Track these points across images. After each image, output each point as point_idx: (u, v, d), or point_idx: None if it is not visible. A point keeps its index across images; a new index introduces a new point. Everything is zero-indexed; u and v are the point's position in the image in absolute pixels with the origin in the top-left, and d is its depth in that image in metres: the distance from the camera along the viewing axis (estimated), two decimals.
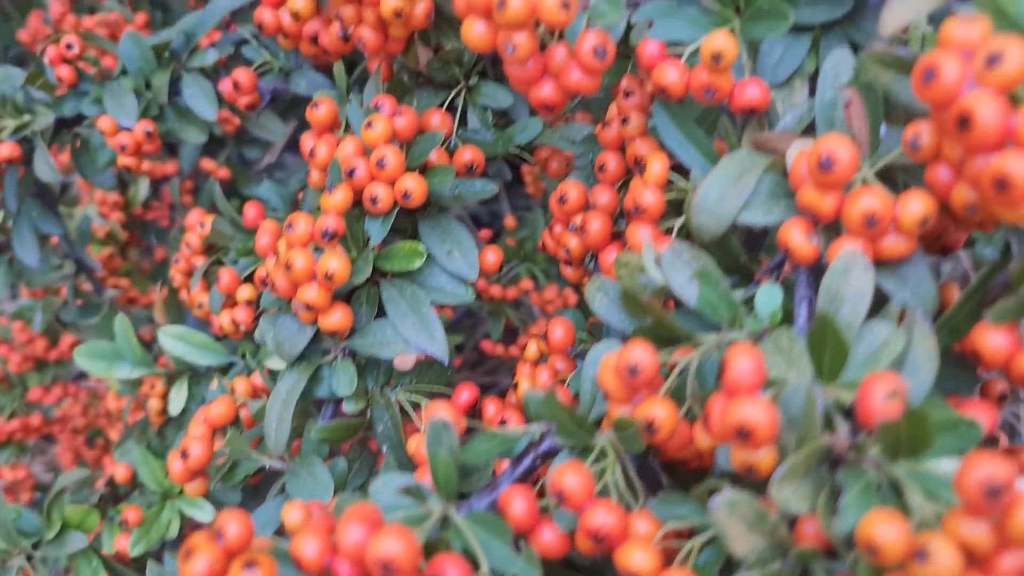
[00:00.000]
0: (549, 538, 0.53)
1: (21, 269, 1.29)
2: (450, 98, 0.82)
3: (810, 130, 0.58)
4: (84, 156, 1.04)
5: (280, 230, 0.86)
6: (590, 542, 0.50)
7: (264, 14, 0.80)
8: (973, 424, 0.45)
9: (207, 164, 1.55)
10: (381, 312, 0.73)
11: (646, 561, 0.48)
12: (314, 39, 0.80)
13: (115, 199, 1.52)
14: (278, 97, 0.98)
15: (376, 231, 0.72)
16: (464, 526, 0.52)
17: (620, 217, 0.70)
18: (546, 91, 0.60)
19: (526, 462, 0.61)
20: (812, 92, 0.59)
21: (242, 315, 0.91)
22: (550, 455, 0.61)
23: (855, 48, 0.62)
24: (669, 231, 0.62)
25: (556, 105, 0.60)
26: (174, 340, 0.98)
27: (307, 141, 0.79)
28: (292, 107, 1.45)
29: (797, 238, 0.52)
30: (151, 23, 1.44)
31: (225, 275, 0.91)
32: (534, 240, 1.64)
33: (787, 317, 0.54)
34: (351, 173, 0.71)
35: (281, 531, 0.75)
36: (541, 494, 0.57)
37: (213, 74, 0.99)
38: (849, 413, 0.46)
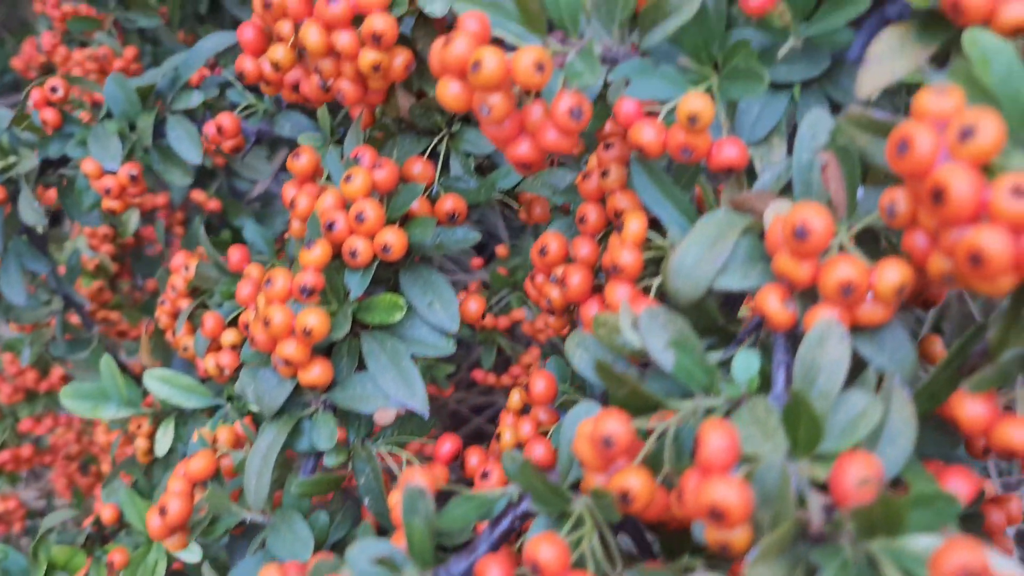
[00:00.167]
0: None
1: (9, 305, 1.29)
2: (432, 144, 0.82)
3: (788, 189, 0.58)
4: (70, 197, 1.04)
5: (263, 276, 0.85)
6: None
7: (245, 63, 0.80)
8: (951, 499, 0.44)
9: (197, 195, 1.54)
10: (362, 364, 0.73)
11: None
12: (295, 87, 0.80)
13: (105, 231, 1.52)
14: (263, 138, 0.98)
15: (356, 284, 0.71)
16: None
17: (602, 268, 0.70)
18: (523, 149, 0.59)
19: (504, 523, 0.60)
20: (791, 149, 0.59)
21: (227, 359, 0.91)
22: (529, 515, 0.60)
23: (834, 105, 0.61)
24: (647, 289, 0.62)
25: (533, 163, 0.60)
26: (160, 383, 0.97)
27: (288, 190, 0.79)
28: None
29: (773, 305, 0.52)
30: (140, 56, 1.44)
31: (209, 319, 0.90)
32: (526, 268, 1.64)
33: (765, 381, 0.53)
34: (330, 227, 0.71)
35: None
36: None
37: (199, 116, 0.99)
38: (826, 486, 0.46)
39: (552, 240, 0.70)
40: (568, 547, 0.51)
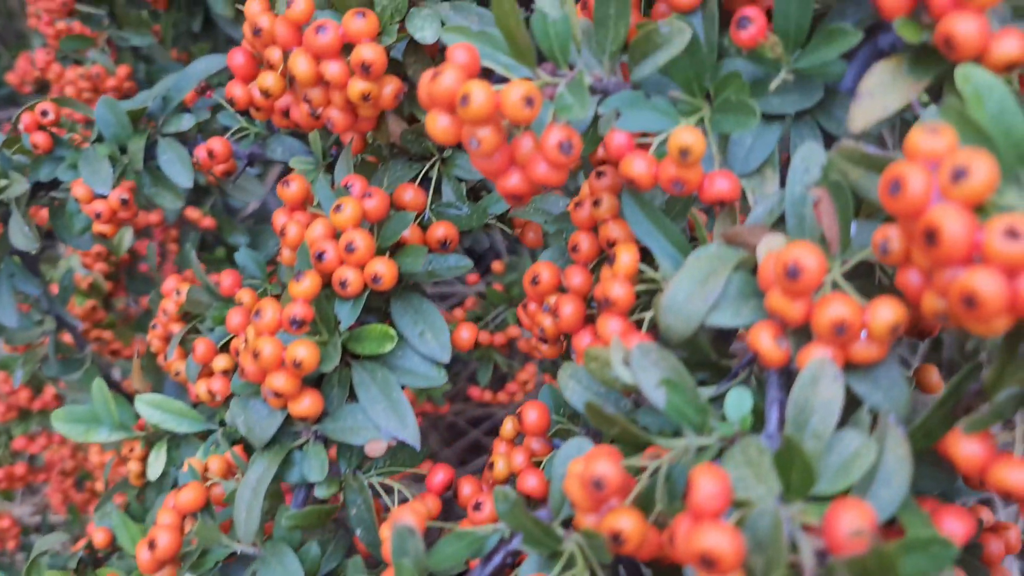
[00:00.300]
0: None
1: (1, 326, 1.28)
2: (424, 170, 0.81)
3: (781, 222, 0.57)
4: (61, 220, 1.03)
5: (255, 303, 0.85)
6: None
7: (235, 89, 0.79)
8: (946, 544, 0.43)
9: (192, 213, 1.54)
10: (353, 394, 0.72)
11: None
12: (286, 113, 0.79)
13: (98, 249, 1.51)
14: (255, 161, 0.97)
15: (346, 314, 0.71)
16: None
17: (594, 299, 0.69)
18: (513, 182, 0.59)
19: (496, 559, 0.60)
20: (784, 181, 0.58)
21: (218, 385, 0.90)
22: (522, 551, 0.59)
23: (826, 135, 0.61)
24: (640, 322, 0.61)
25: (524, 195, 0.59)
26: (151, 408, 0.96)
27: (279, 217, 0.78)
28: None
29: (766, 343, 0.51)
30: (134, 75, 1.44)
31: (201, 345, 0.90)
32: (522, 284, 1.63)
33: (759, 418, 0.53)
34: (320, 256, 0.70)
35: None
36: None
37: (191, 138, 0.98)
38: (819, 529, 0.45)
39: (544, 270, 0.69)
40: None
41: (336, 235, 0.72)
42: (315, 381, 0.73)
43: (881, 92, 0.53)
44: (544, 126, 0.56)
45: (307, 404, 0.70)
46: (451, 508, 0.77)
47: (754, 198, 0.60)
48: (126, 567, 0.99)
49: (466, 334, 0.76)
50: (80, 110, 1.00)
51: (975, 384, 0.50)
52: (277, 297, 0.89)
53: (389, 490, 0.75)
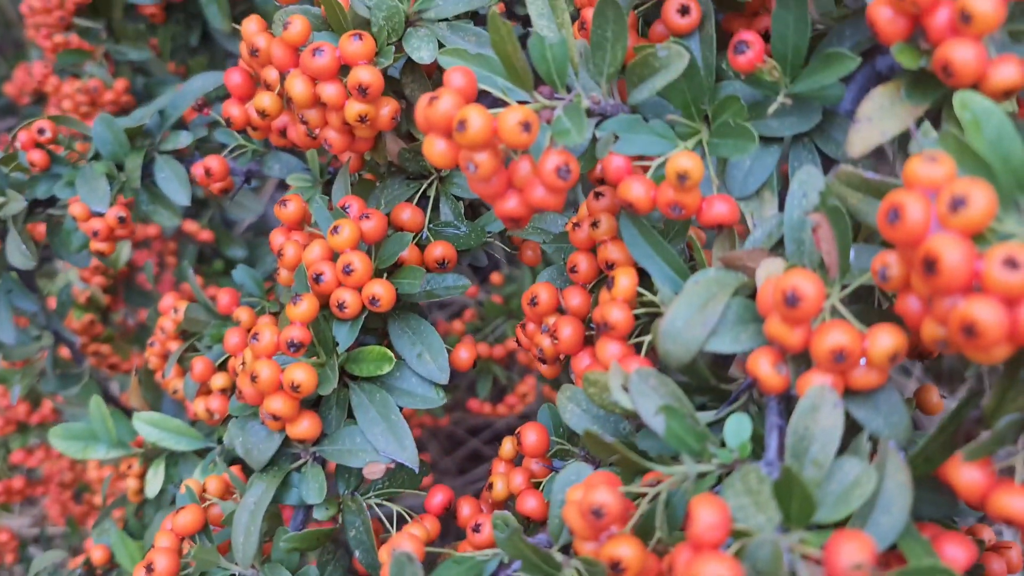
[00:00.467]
0: None
1: None
2: (422, 189, 0.81)
3: (780, 245, 0.57)
4: (58, 237, 1.03)
5: (253, 321, 0.85)
6: None
7: (232, 109, 0.79)
8: (948, 573, 0.43)
9: (190, 226, 1.54)
10: (351, 415, 0.72)
11: None
12: (283, 132, 0.79)
13: (96, 263, 1.51)
14: (252, 178, 0.97)
15: (344, 336, 0.71)
16: None
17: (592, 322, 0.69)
18: (511, 205, 0.58)
19: None
20: (782, 204, 0.58)
21: (216, 404, 0.90)
22: None
23: (824, 157, 0.61)
24: (639, 346, 0.61)
25: (522, 218, 0.59)
26: (149, 426, 0.96)
27: (276, 238, 0.78)
28: None
29: (765, 369, 0.51)
30: (131, 88, 1.44)
31: (199, 364, 0.89)
32: (521, 296, 1.62)
33: (758, 443, 0.53)
34: (317, 278, 0.70)
35: None
36: None
37: (189, 155, 0.98)
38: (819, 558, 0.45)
39: (542, 290, 0.69)
40: None
41: (334, 257, 0.72)
42: (313, 403, 0.72)
43: (879, 117, 0.53)
44: (542, 149, 0.56)
45: (305, 426, 0.69)
46: (449, 525, 0.77)
47: (753, 221, 0.59)
48: None
49: (465, 354, 0.76)
50: (77, 127, 0.99)
51: (975, 411, 0.49)
52: (275, 315, 0.89)
53: (388, 512, 0.75)
